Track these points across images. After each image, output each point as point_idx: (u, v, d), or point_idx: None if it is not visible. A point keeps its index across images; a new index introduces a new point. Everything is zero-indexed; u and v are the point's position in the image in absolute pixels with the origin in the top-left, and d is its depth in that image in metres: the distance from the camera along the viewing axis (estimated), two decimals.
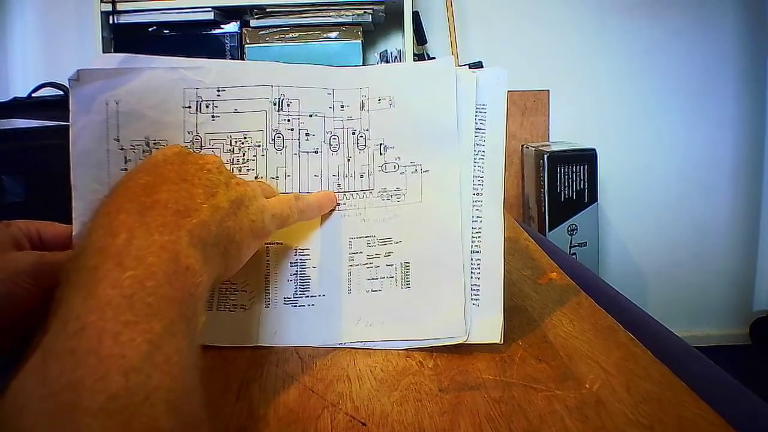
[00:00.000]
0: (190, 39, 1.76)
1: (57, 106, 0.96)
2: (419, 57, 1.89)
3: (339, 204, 0.42)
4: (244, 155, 0.41)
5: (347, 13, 1.74)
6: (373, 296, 0.40)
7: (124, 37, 1.74)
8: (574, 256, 1.75)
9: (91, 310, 0.23)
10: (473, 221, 0.41)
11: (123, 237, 0.26)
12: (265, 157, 0.41)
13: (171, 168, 0.32)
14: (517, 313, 0.44)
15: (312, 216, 0.41)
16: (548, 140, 2.03)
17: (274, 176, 0.41)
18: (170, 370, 0.23)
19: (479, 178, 0.41)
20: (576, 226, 1.79)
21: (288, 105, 0.41)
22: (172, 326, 0.24)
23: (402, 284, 0.40)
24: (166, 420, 0.21)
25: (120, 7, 1.71)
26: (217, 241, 0.31)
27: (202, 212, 0.30)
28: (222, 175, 0.34)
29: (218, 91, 0.40)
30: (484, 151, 0.41)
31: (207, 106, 0.40)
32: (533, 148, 1.88)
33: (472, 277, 0.40)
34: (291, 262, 0.41)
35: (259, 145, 0.41)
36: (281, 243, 0.41)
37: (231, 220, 0.32)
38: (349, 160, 0.42)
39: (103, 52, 1.69)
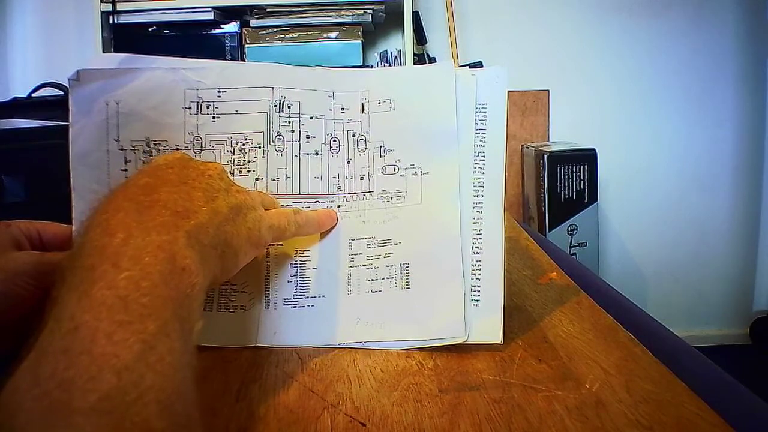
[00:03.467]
0: (190, 39, 1.76)
1: (57, 106, 0.96)
2: (419, 57, 1.89)
3: (339, 206, 0.42)
4: (244, 156, 0.41)
5: (347, 13, 1.74)
6: (373, 297, 0.40)
7: (124, 37, 1.74)
8: (574, 256, 1.75)
9: (85, 309, 0.23)
10: (474, 222, 0.41)
11: (120, 237, 0.26)
12: (265, 158, 0.41)
13: (172, 171, 0.32)
14: (517, 313, 0.44)
15: (310, 232, 0.41)
16: (548, 140, 2.03)
17: (275, 178, 0.41)
18: (163, 370, 0.23)
19: (479, 180, 0.41)
20: (576, 226, 1.79)
21: (289, 107, 0.41)
22: (166, 326, 0.24)
23: (402, 285, 0.41)
24: (158, 420, 0.21)
25: (120, 7, 1.71)
26: (214, 243, 0.31)
27: (201, 214, 0.30)
28: (223, 181, 0.34)
29: (219, 92, 0.40)
30: (484, 152, 0.41)
31: (207, 107, 0.40)
32: (533, 148, 1.88)
33: (472, 278, 0.40)
34: (291, 264, 0.41)
35: (259, 147, 0.41)
36: (281, 245, 0.41)
37: (229, 225, 0.32)
38: (349, 162, 0.42)
39: (103, 52, 1.69)
